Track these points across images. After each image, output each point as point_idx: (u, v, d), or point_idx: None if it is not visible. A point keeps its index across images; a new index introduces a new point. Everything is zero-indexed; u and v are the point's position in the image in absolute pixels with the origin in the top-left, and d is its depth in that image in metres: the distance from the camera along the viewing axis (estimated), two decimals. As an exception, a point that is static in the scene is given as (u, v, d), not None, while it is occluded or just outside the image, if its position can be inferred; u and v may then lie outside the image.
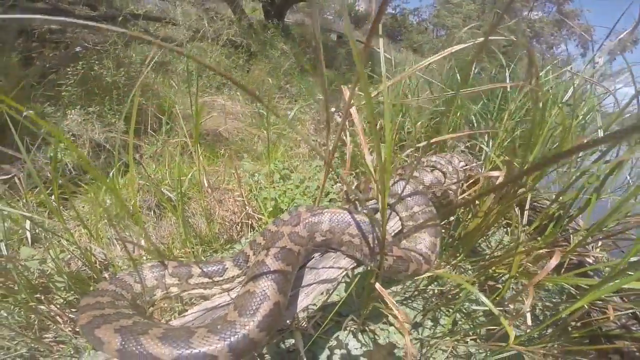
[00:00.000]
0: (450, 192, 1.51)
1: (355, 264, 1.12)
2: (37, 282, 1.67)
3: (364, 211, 1.06)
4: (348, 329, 1.86)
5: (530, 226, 1.58)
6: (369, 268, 1.11)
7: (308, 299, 1.00)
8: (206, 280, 1.14)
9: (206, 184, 2.60)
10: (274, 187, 3.07)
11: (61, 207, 2.01)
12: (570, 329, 1.35)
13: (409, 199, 1.23)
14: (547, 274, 0.95)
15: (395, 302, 1.01)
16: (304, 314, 1.86)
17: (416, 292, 1.94)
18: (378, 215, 0.95)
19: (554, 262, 0.91)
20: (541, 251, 1.27)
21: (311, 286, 1.02)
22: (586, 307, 1.30)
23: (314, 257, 1.13)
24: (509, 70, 2.46)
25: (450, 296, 1.79)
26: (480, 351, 1.58)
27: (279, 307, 0.84)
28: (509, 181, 1.24)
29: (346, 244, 1.05)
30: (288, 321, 1.56)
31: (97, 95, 2.96)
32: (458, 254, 1.72)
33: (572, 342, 1.28)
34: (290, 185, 3.09)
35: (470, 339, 1.64)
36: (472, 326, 1.76)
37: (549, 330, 1.41)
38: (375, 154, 0.81)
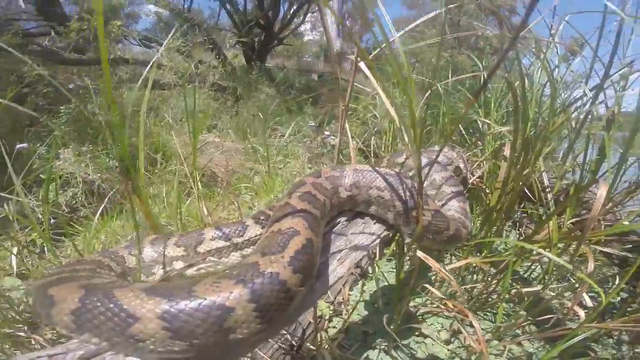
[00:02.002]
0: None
1: (386, 230, 1.07)
2: (23, 315, 1.57)
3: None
4: (378, 347, 1.77)
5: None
6: (404, 234, 1.07)
7: (343, 267, 0.91)
8: (222, 243, 0.99)
9: (206, 212, 2.59)
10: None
11: (53, 247, 1.97)
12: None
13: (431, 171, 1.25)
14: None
15: (445, 271, 1.00)
16: (326, 336, 1.78)
17: (442, 304, 1.89)
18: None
19: (602, 192, 0.93)
20: (569, 223, 1.31)
21: (342, 252, 0.94)
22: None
23: (339, 221, 1.07)
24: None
25: (485, 293, 1.74)
26: (539, 348, 1.52)
27: (312, 245, 0.71)
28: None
29: (375, 200, 1.02)
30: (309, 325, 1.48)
31: (89, 134, 3.03)
32: (494, 224, 1.68)
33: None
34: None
35: (522, 338, 1.57)
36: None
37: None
38: (409, 110, 0.88)
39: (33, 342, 1.40)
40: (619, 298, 1.87)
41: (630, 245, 1.50)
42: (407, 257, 1.98)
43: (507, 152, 1.55)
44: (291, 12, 8.87)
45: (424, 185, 1.13)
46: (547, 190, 1.73)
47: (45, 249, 1.90)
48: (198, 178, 2.49)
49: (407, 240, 1.18)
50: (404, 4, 21.75)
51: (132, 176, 0.98)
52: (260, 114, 5.60)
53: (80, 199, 2.70)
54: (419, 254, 1.03)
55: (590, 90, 1.46)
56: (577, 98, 1.68)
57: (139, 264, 0.91)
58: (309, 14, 10.58)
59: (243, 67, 9.17)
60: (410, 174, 1.29)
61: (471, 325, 1.56)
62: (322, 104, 9.31)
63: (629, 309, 1.42)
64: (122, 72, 3.91)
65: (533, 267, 1.99)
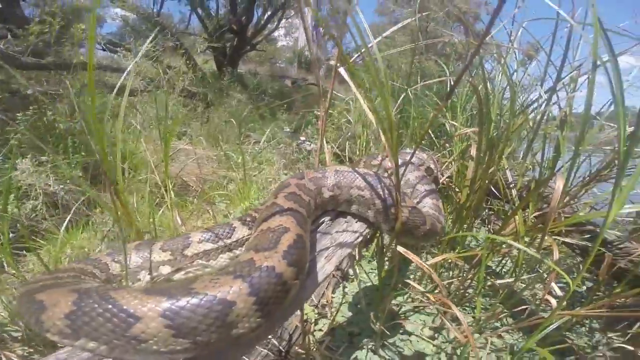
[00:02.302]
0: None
1: (367, 228, 1.13)
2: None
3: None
4: (365, 347, 1.82)
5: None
6: (383, 231, 1.12)
7: (330, 264, 0.95)
8: (210, 246, 0.99)
9: (180, 221, 2.53)
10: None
11: (14, 261, 1.84)
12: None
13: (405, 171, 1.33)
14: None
15: (426, 266, 1.06)
16: (313, 339, 1.79)
17: (421, 303, 1.96)
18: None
19: (559, 185, 1.04)
20: (533, 216, 1.44)
21: (329, 250, 0.98)
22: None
23: (323, 221, 1.12)
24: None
25: (461, 289, 1.84)
26: (519, 339, 1.62)
27: (302, 240, 0.74)
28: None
29: (356, 199, 1.08)
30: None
31: (50, 143, 2.87)
32: (465, 221, 1.79)
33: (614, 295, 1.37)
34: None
35: (501, 331, 1.67)
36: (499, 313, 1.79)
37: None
38: (385, 114, 0.94)
39: (3, 358, 1.31)
40: (584, 287, 2.04)
41: (588, 235, 1.66)
42: (386, 257, 2.05)
43: (473, 152, 1.68)
44: (265, 17, 8.90)
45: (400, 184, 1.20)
46: (511, 186, 1.87)
47: (5, 264, 1.78)
48: (170, 187, 2.43)
49: (387, 236, 1.24)
50: (376, 11, 22.57)
51: (111, 181, 0.96)
52: (233, 120, 5.54)
53: (41, 211, 2.54)
54: (400, 249, 1.09)
55: (545, 93, 1.62)
56: (533, 100, 1.85)
57: (126, 269, 0.89)
58: (283, 20, 10.67)
59: (214, 72, 9.04)
60: (386, 174, 1.37)
61: (454, 320, 1.65)
62: (296, 109, 9.37)
63: (594, 297, 1.56)
64: (85, 78, 3.73)
65: (503, 261, 2.13)
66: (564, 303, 1.27)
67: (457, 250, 1.94)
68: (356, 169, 1.12)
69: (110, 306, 0.52)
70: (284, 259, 0.65)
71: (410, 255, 1.08)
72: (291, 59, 15.84)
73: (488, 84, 1.78)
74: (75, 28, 4.06)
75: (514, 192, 1.69)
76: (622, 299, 1.45)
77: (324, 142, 1.81)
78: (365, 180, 1.07)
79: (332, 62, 1.35)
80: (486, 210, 2.48)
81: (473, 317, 1.78)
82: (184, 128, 6.13)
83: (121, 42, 6.60)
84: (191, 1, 7.99)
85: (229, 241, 1.01)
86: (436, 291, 1.72)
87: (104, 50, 5.91)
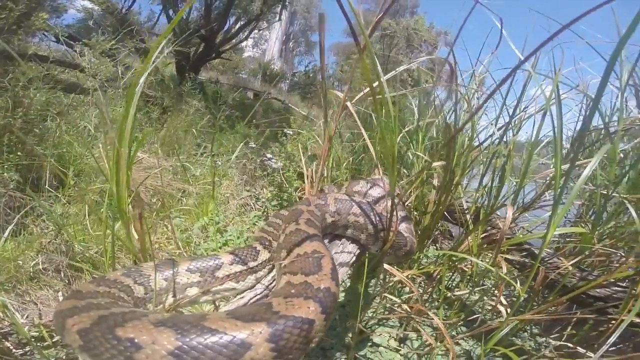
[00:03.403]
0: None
1: (358, 249, 1.29)
2: None
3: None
4: (338, 360, 1.88)
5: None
6: (371, 251, 1.26)
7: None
8: (239, 268, 1.03)
9: (136, 236, 2.42)
10: (212, 240, 3.02)
11: None
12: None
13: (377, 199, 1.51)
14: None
15: (405, 278, 1.19)
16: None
17: (387, 311, 2.10)
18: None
19: (510, 213, 1.25)
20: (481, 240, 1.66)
21: None
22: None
23: None
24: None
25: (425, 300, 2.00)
26: (474, 345, 1.80)
27: (333, 261, 0.86)
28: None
29: (352, 224, 1.24)
30: None
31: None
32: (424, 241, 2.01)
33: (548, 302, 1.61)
34: (230, 236, 3.08)
35: (458, 339, 1.85)
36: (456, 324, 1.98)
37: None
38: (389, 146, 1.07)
39: None
40: (522, 298, 2.34)
41: (525, 253, 1.94)
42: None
43: (435, 182, 1.90)
44: (237, 26, 8.92)
45: (380, 210, 1.35)
46: (465, 212, 2.12)
47: None
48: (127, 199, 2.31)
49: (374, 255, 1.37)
50: (344, 31, 23.75)
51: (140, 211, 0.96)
52: (194, 130, 5.42)
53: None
54: (386, 266, 1.23)
55: (498, 130, 1.90)
56: (486, 138, 2.14)
57: (154, 294, 0.88)
58: (255, 30, 10.77)
59: (173, 77, 8.77)
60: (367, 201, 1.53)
61: (415, 330, 1.81)
62: (256, 123, 9.37)
63: (533, 305, 1.81)
64: (33, 71, 3.45)
65: (453, 276, 2.36)
66: (510, 310, 1.49)
67: (415, 267, 2.12)
68: (352, 198, 1.26)
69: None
70: (333, 280, 0.77)
71: (394, 271, 1.22)
72: (255, 71, 15.94)
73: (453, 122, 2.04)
74: (37, 17, 3.78)
75: (467, 216, 1.91)
76: (555, 306, 1.73)
77: (303, 163, 1.91)
78: (361, 208, 1.25)
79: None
80: (436, 232, 2.74)
81: (432, 327, 1.96)
82: (135, 133, 5.84)
83: (81, 36, 6.21)
84: (164, 1, 7.81)
85: (255, 263, 1.06)
86: (411, 301, 1.88)
87: (56, 42, 5.50)
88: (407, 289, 2.14)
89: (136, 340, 0.52)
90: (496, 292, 2.03)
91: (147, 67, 1.07)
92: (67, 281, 2.20)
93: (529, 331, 2.01)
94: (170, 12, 8.57)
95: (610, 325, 1.57)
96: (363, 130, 1.39)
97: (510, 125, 1.87)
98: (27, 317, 1.86)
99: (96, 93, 4.98)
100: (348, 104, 1.32)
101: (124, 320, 0.57)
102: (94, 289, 0.83)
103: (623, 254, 2.04)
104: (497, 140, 1.83)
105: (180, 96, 7.37)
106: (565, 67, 1.97)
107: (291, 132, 4.29)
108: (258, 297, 1.02)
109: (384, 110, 1.09)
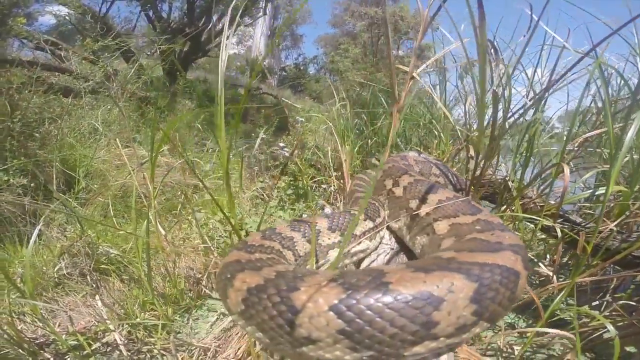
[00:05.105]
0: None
1: None
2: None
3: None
4: None
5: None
6: None
7: None
8: (371, 224, 0.94)
9: (162, 231, 2.34)
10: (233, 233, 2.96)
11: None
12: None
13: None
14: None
15: None
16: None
17: None
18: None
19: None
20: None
21: None
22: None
23: None
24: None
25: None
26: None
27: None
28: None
29: None
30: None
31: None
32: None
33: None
34: (250, 228, 3.02)
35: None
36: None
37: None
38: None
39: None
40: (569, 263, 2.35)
41: (561, 219, 1.93)
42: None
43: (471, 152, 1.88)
44: (221, 23, 8.73)
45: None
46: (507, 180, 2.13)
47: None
48: (154, 196, 2.23)
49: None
50: (329, 22, 23.55)
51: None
52: (198, 125, 5.31)
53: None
54: None
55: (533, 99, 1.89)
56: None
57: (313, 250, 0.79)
58: (241, 26, 10.60)
59: (162, 77, 8.58)
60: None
61: None
62: (251, 118, 9.25)
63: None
64: (19, 78, 3.31)
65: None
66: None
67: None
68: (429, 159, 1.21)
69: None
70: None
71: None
72: (242, 68, 15.68)
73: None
74: (16, 22, 3.62)
75: (510, 184, 1.90)
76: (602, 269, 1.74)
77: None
78: (439, 168, 1.24)
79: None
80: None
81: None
82: (133, 134, 5.71)
83: (61, 40, 5.99)
84: (143, 2, 7.58)
85: (380, 220, 0.98)
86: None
87: (34, 48, 5.28)
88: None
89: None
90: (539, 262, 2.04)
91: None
92: (94, 285, 2.11)
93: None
94: (150, 13, 8.36)
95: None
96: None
97: (545, 95, 1.85)
98: (58, 325, 1.79)
99: (88, 96, 4.84)
100: (414, 74, 1.27)
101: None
102: (257, 241, 0.74)
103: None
104: (532, 110, 1.82)
105: (174, 96, 7.21)
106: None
107: (303, 120, 4.22)
108: (388, 257, 0.95)
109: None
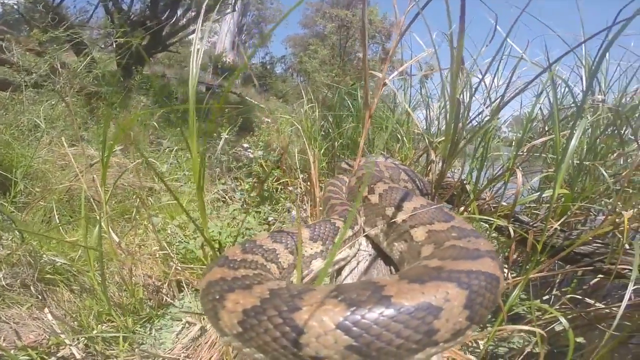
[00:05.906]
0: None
1: None
2: None
3: None
4: None
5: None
6: None
7: None
8: (350, 233, 0.94)
9: (116, 239, 2.18)
10: (192, 238, 2.85)
11: None
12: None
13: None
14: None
15: None
16: None
17: None
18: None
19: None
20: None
21: None
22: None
23: None
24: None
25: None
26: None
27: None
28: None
29: None
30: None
31: None
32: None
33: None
34: (212, 232, 2.93)
35: None
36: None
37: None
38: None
39: None
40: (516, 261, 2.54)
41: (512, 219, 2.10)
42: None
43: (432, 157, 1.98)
44: (185, 18, 8.36)
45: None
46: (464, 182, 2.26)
47: None
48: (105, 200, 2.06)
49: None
50: (300, 23, 23.50)
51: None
52: (154, 123, 5.05)
53: None
54: None
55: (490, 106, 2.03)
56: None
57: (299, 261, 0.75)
58: (207, 22, 10.20)
59: (116, 72, 8.04)
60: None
61: None
62: (211, 117, 8.96)
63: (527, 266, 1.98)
64: None
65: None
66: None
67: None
68: (397, 165, 1.24)
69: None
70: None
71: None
72: (205, 65, 15.16)
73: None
74: None
75: (467, 187, 2.02)
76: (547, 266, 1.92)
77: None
78: (407, 174, 1.28)
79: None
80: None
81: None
82: (82, 131, 5.30)
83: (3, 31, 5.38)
84: None
85: (357, 227, 1.00)
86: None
87: None
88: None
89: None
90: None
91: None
92: (39, 296, 1.93)
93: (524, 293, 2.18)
94: (110, 4, 7.83)
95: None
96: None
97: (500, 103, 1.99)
98: (3, 339, 1.61)
99: (29, 90, 4.41)
100: (387, 80, 1.29)
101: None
102: (238, 255, 0.70)
103: (594, 213, 2.32)
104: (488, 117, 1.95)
105: (129, 91, 6.78)
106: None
107: (269, 120, 4.16)
108: (367, 263, 0.96)
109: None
